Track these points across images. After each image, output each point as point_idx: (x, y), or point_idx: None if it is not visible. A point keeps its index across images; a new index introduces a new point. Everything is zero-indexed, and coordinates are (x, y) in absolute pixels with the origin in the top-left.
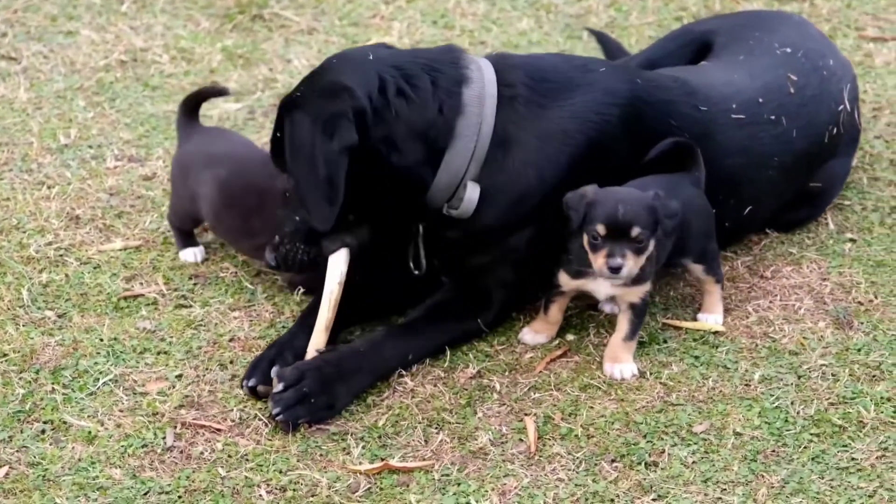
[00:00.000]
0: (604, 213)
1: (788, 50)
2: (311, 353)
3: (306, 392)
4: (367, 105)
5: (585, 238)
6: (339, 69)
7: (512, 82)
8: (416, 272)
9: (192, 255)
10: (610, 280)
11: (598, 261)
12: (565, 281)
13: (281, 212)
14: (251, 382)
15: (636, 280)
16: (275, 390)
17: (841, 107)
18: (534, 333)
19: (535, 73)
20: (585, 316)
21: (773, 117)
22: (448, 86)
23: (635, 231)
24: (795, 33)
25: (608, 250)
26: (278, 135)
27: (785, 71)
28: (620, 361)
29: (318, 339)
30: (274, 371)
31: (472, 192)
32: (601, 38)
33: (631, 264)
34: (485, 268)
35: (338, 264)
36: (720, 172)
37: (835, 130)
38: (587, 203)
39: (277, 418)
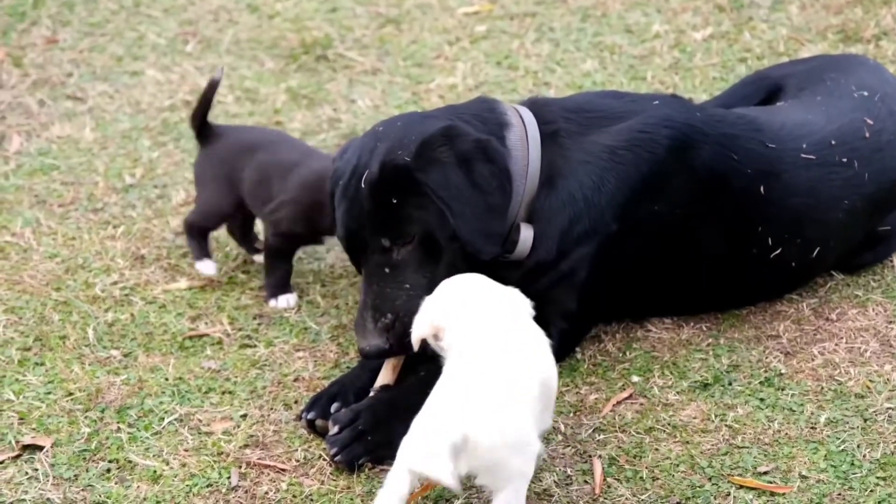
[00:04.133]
0: None
1: (865, 93)
2: (376, 385)
3: (362, 430)
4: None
5: None
6: (417, 124)
7: (550, 119)
8: None
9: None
10: None
11: None
12: None
13: (387, 287)
14: (310, 415)
15: None
16: (331, 432)
17: None
18: None
19: (572, 107)
20: (650, 358)
21: (844, 160)
22: (495, 131)
23: None
24: (872, 77)
25: None
26: (394, 201)
27: (861, 115)
28: None
29: (385, 378)
30: (332, 408)
31: (526, 234)
32: None
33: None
34: (543, 295)
35: None
36: (785, 212)
37: None
38: None
39: (336, 459)
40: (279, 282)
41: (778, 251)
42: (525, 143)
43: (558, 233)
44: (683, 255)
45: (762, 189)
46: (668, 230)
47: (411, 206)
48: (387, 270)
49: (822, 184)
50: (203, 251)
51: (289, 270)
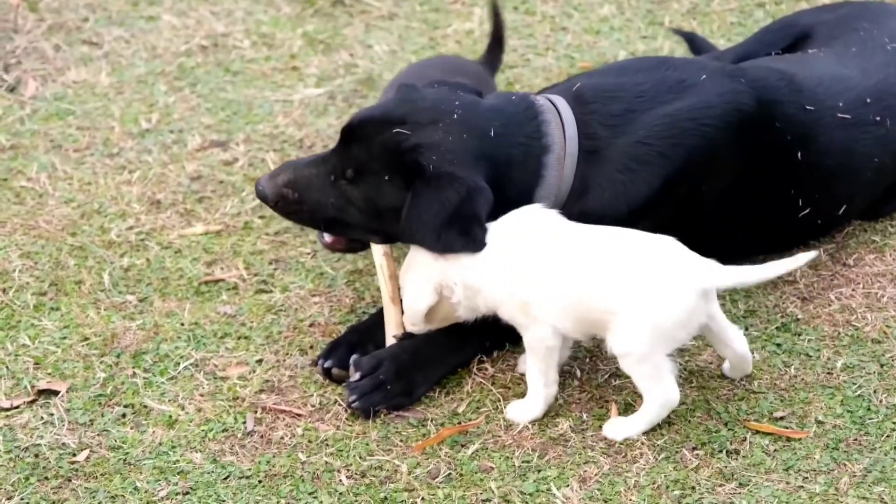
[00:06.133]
0: None
1: None
2: (388, 329)
3: (382, 380)
4: (489, 201)
5: None
6: (475, 146)
7: (593, 133)
8: None
9: None
10: None
11: None
12: None
13: (320, 185)
14: (327, 364)
15: None
16: (351, 379)
17: None
18: None
19: (617, 111)
20: None
21: (878, 118)
22: (533, 159)
23: None
24: None
25: None
26: (386, 177)
27: (895, 70)
28: None
29: (389, 314)
30: (352, 359)
31: None
32: (688, 38)
33: None
34: None
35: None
36: (818, 173)
37: None
38: None
39: (353, 405)
40: None
41: (807, 211)
42: (561, 162)
43: (600, 217)
44: (709, 220)
45: (799, 155)
46: (702, 205)
47: (393, 187)
48: (332, 178)
49: (855, 143)
50: None
51: None
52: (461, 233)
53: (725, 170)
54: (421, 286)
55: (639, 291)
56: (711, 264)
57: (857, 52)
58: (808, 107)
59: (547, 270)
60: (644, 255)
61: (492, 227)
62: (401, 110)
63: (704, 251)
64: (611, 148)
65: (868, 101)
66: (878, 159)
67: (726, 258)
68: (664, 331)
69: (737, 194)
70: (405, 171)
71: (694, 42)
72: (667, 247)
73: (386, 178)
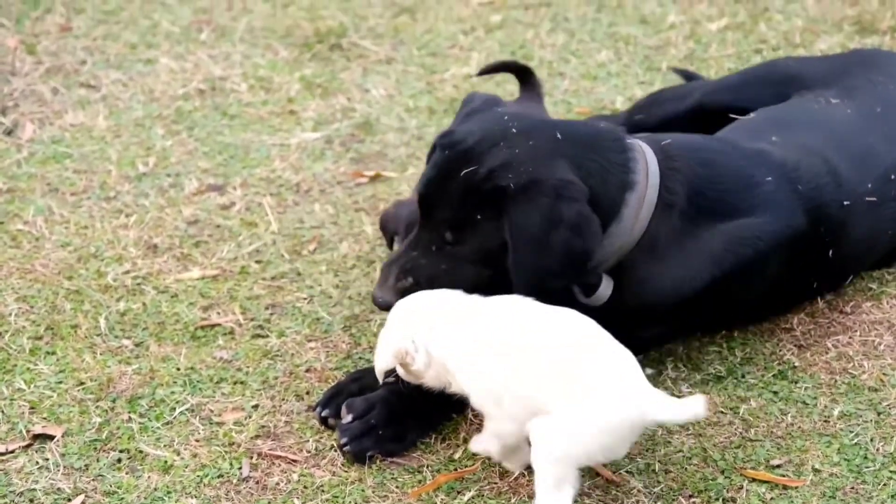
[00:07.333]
0: None
1: None
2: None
3: (374, 424)
4: (583, 190)
5: None
6: (546, 155)
7: (674, 190)
8: None
9: None
10: None
11: None
12: None
13: (424, 259)
14: (325, 412)
15: None
16: (343, 420)
17: None
18: None
19: (698, 183)
20: (663, 351)
21: None
22: (614, 190)
23: None
24: None
25: None
26: (478, 217)
27: None
28: None
29: None
30: (346, 401)
31: (606, 287)
32: (687, 77)
33: None
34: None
35: None
36: (843, 263)
37: None
38: None
39: (344, 449)
40: None
41: (817, 285)
42: (640, 204)
43: (635, 303)
44: (734, 310)
45: (830, 252)
46: (736, 304)
47: (491, 223)
48: (433, 248)
49: (877, 223)
50: None
51: None
52: (572, 231)
53: (768, 277)
54: (382, 349)
55: (579, 404)
56: (658, 398)
57: (881, 112)
58: (845, 202)
59: (511, 365)
60: (598, 371)
61: (473, 303)
62: (456, 153)
63: (709, 325)
64: (683, 221)
65: (892, 177)
66: (891, 232)
67: (728, 326)
68: (586, 448)
69: (769, 291)
70: (492, 202)
71: (691, 80)
72: (625, 369)
73: (478, 217)
